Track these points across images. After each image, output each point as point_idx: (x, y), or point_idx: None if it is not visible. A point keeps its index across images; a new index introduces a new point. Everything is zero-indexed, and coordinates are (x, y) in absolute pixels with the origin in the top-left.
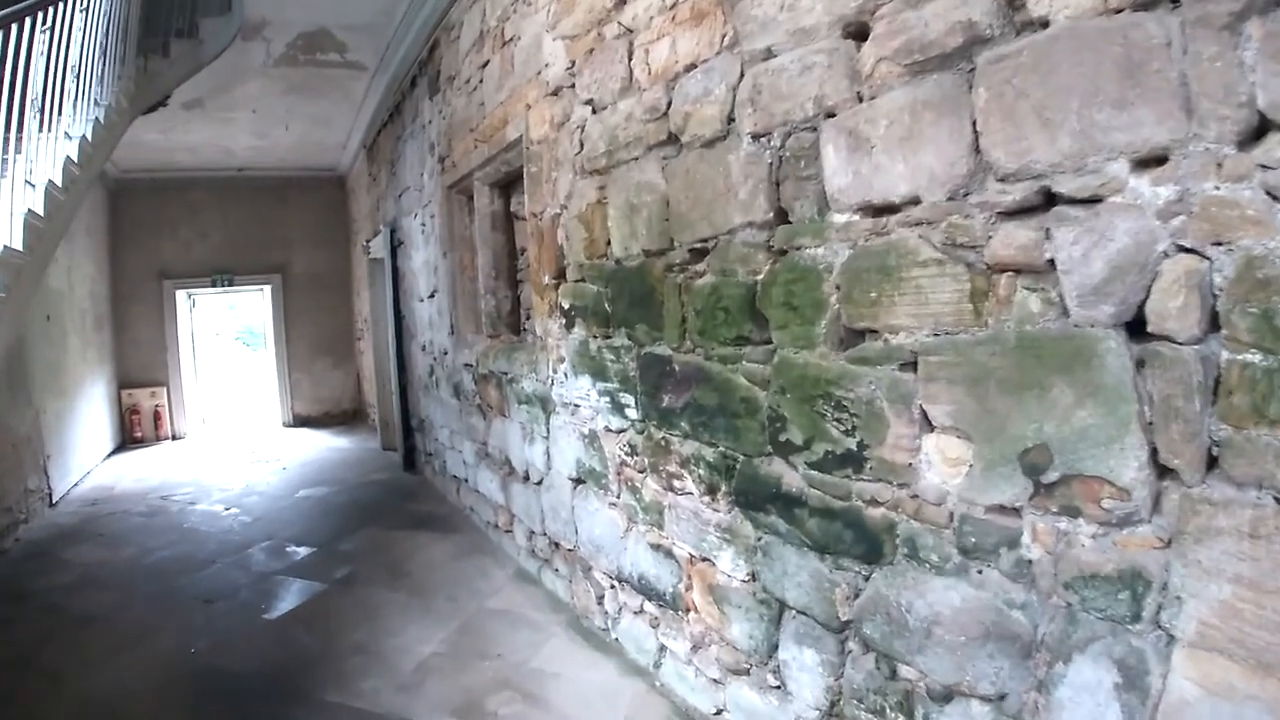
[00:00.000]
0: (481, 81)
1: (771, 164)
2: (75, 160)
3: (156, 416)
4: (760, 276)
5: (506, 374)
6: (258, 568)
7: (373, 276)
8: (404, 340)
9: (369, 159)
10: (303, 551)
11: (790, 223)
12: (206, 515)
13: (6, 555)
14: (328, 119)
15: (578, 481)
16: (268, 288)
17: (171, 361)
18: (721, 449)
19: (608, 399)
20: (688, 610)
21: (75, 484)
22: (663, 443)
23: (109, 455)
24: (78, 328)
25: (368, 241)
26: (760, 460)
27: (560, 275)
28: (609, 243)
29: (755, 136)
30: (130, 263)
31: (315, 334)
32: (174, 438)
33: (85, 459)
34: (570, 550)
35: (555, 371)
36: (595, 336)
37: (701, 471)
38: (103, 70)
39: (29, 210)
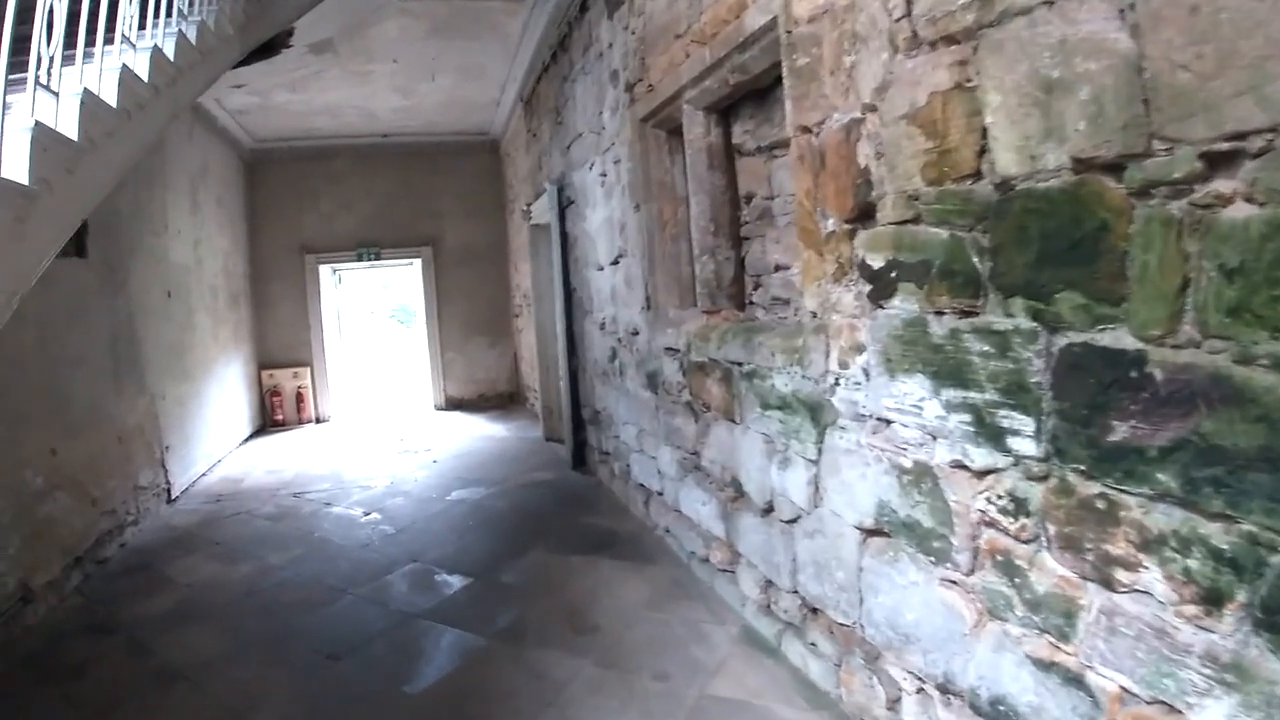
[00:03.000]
0: None
1: None
2: (146, 79)
3: (299, 398)
4: None
5: (741, 364)
6: (398, 604)
7: (535, 245)
8: (574, 317)
9: (527, 113)
10: (455, 583)
11: None
12: (342, 521)
13: (105, 566)
14: (479, 68)
15: (874, 533)
16: (417, 261)
17: (315, 340)
18: (1249, 528)
19: (967, 417)
20: None
21: (202, 475)
22: (1098, 503)
23: (246, 440)
24: (208, 305)
25: (528, 205)
26: None
27: (862, 215)
28: (982, 152)
29: None
30: (269, 236)
31: (469, 311)
32: (317, 421)
33: (214, 447)
34: (845, 626)
35: (843, 366)
36: (944, 312)
37: (1192, 563)
38: None
39: (37, 124)
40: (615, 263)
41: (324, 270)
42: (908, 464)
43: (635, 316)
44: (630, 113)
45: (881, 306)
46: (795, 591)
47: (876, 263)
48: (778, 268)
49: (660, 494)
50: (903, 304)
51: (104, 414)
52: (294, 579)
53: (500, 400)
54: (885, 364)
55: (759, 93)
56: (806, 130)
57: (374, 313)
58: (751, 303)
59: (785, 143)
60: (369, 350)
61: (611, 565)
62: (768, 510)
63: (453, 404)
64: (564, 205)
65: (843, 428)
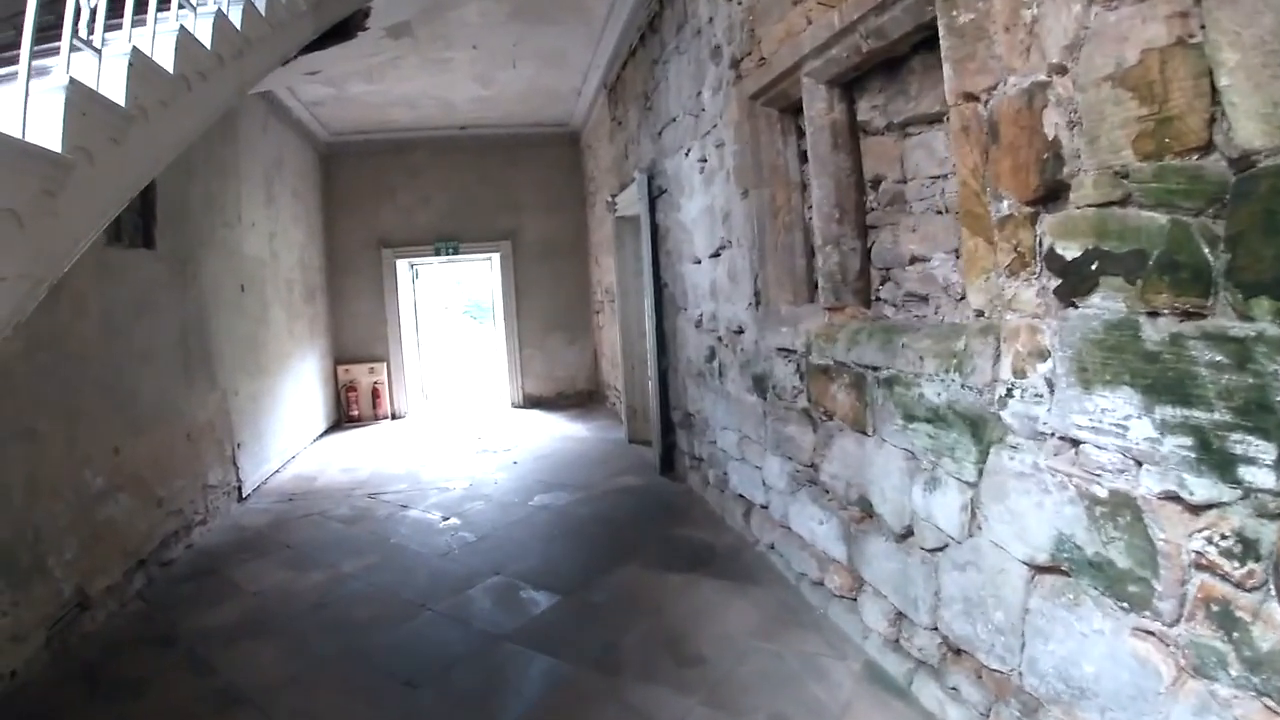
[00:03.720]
0: None
1: None
2: (208, 45)
3: (375, 394)
4: None
5: (877, 369)
6: (481, 624)
7: (620, 238)
8: (665, 314)
9: (610, 101)
10: (542, 600)
11: None
12: (419, 526)
13: (170, 569)
14: (561, 54)
15: (1047, 571)
16: (496, 256)
17: (392, 335)
18: None
19: (1187, 440)
20: None
21: (274, 472)
22: None
23: (320, 436)
24: (283, 299)
25: (613, 197)
26: None
27: (1049, 196)
28: (1214, 120)
29: None
30: (346, 230)
31: (548, 306)
32: (393, 417)
33: (288, 443)
34: (999, 672)
35: (1019, 374)
36: (1161, 313)
37: None
38: None
39: (72, 82)
40: (716, 255)
41: (401, 265)
42: (1102, 493)
43: (740, 313)
44: (736, 90)
45: (1074, 305)
46: (935, 628)
47: (1069, 252)
48: (914, 259)
49: (764, 507)
50: (1105, 302)
51: (172, 410)
52: (368, 590)
53: (579, 399)
54: (1078, 374)
55: (889, 64)
56: (972, 98)
57: (448, 309)
58: (878, 299)
59: (924, 118)
60: (444, 346)
61: (712, 586)
62: (905, 535)
63: (530, 402)
64: (654, 195)
65: (1014, 447)
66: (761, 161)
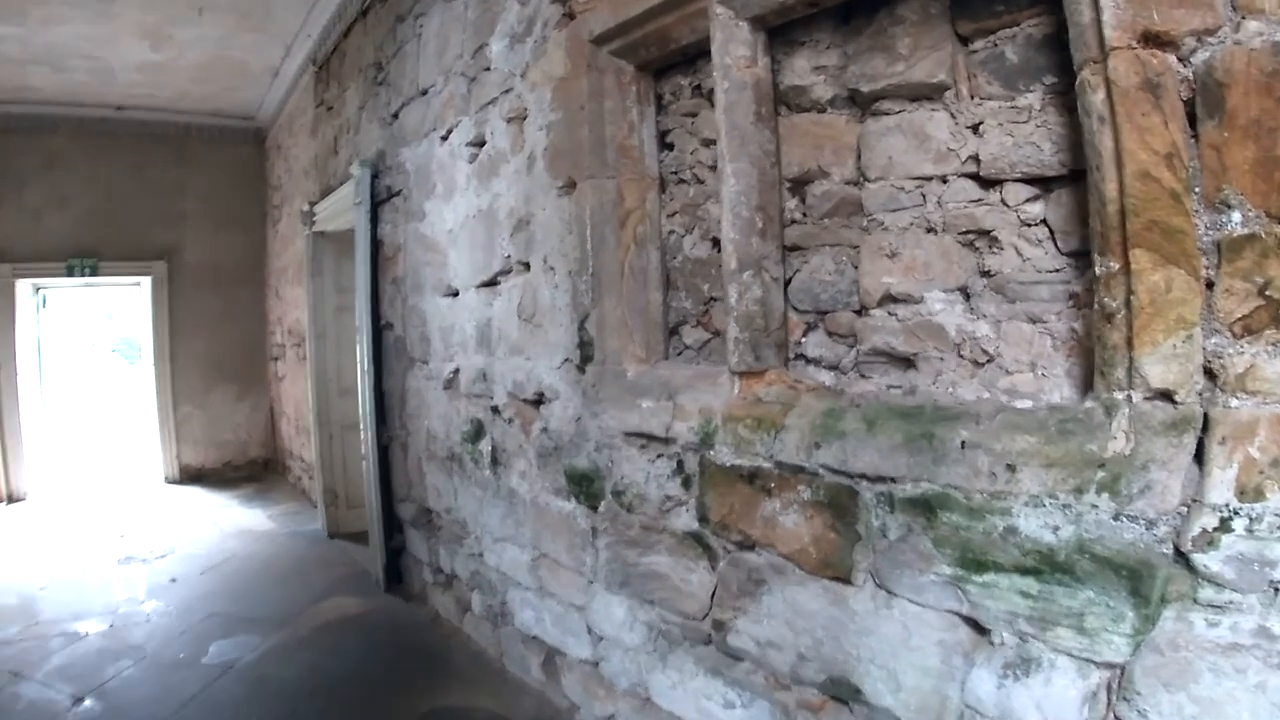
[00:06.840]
0: None
1: None
2: None
3: None
4: None
5: (890, 481)
6: None
7: (317, 261)
8: (388, 367)
9: (319, 81)
10: None
11: None
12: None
13: None
14: (265, 10)
15: None
16: (147, 280)
17: (7, 386)
18: None
19: None
20: None
21: None
22: None
23: None
24: None
25: (312, 205)
26: None
27: None
28: None
29: None
30: None
31: (213, 349)
32: (9, 500)
33: None
34: None
35: (1251, 495)
36: None
37: None
38: None
39: None
40: (492, 284)
41: (22, 287)
42: None
43: (544, 374)
44: (567, 33)
45: None
46: None
47: None
48: (889, 299)
49: (591, 664)
50: None
51: None
52: None
53: (252, 469)
54: None
55: (850, 6)
56: (1163, 42)
57: (95, 345)
58: (800, 356)
59: (915, 90)
60: (84, 398)
61: None
62: None
63: (190, 475)
64: (380, 199)
65: (1218, 607)
66: (604, 139)
